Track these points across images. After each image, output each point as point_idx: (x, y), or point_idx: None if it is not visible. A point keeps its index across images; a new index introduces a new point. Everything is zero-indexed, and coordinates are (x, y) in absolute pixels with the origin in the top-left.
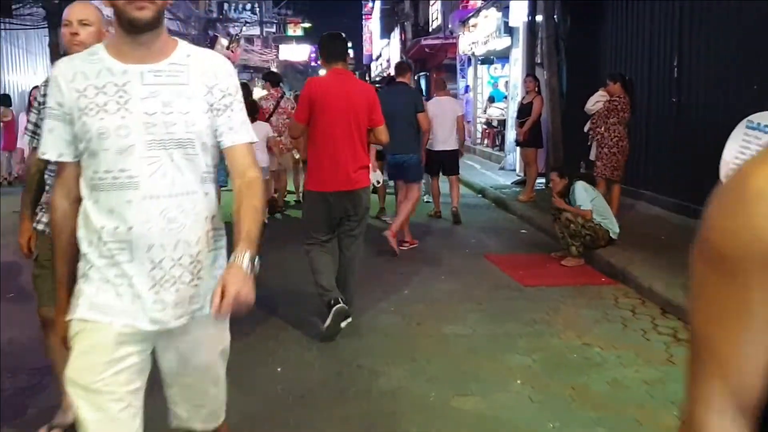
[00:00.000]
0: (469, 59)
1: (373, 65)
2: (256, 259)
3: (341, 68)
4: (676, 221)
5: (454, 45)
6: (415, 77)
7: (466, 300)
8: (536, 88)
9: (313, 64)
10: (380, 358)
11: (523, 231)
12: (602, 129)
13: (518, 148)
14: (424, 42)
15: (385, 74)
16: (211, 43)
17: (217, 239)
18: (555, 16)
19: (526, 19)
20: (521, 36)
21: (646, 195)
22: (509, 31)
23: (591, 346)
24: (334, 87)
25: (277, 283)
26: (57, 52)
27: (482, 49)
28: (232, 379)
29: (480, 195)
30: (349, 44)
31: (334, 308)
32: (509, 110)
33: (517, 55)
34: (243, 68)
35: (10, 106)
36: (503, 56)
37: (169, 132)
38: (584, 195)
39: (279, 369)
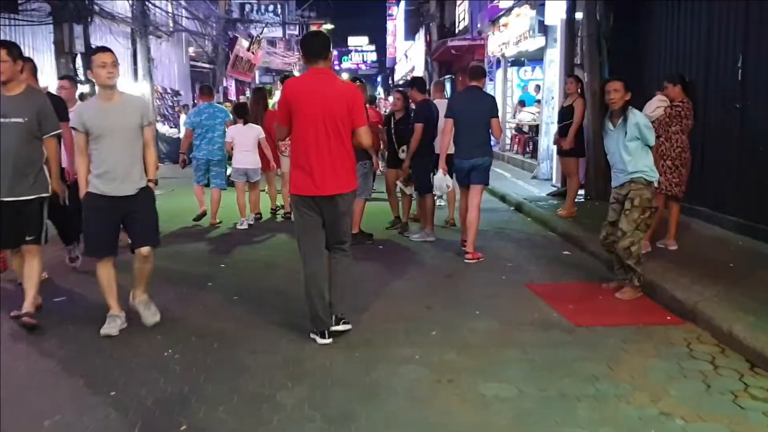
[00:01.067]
0: (498, 61)
1: (396, 68)
2: None
3: (321, 68)
4: (740, 243)
5: (482, 46)
6: (440, 79)
7: (508, 344)
8: (578, 90)
9: (336, 67)
10: None
11: (566, 253)
12: (663, 138)
13: (557, 157)
14: (450, 43)
15: (408, 77)
16: (231, 45)
17: None
18: (597, 13)
19: (564, 16)
20: (558, 35)
21: (702, 212)
22: (544, 30)
23: (671, 417)
24: (309, 88)
25: (277, 310)
26: (62, 49)
27: (513, 50)
28: None
29: (513, 208)
30: (374, 45)
31: (320, 340)
32: (543, 115)
33: (553, 56)
34: (265, 71)
35: None
36: (535, 58)
37: None
38: (650, 130)
39: None
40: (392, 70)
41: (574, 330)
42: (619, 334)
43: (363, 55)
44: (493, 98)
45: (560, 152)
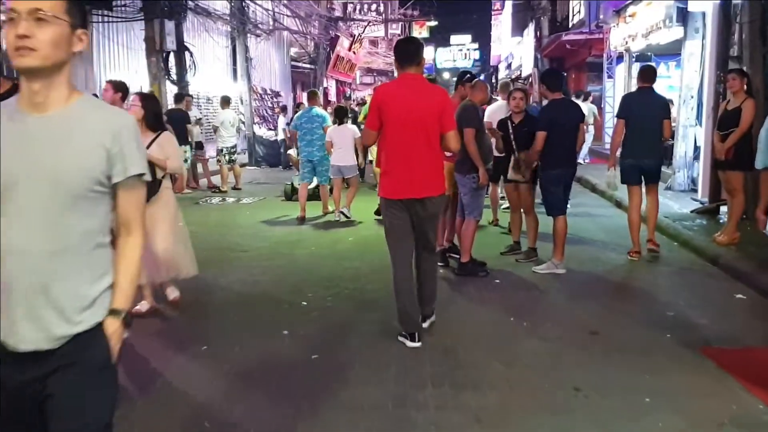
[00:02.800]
0: (620, 56)
1: (501, 66)
2: None
3: (413, 73)
4: None
5: (600, 40)
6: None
7: None
8: (744, 88)
9: (439, 66)
10: None
11: (740, 296)
12: None
13: (700, 167)
14: (565, 37)
15: (513, 75)
16: (332, 44)
17: None
18: None
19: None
20: (708, 22)
21: None
22: (683, 19)
23: None
24: (400, 93)
25: (367, 382)
26: (153, 47)
27: (641, 43)
28: None
29: None
30: (477, 43)
31: (409, 344)
32: (680, 116)
33: (693, 48)
34: (366, 71)
35: None
36: (664, 52)
37: None
38: None
39: None
40: (496, 69)
41: None
42: None
43: (465, 53)
44: (666, 100)
45: (721, 165)
